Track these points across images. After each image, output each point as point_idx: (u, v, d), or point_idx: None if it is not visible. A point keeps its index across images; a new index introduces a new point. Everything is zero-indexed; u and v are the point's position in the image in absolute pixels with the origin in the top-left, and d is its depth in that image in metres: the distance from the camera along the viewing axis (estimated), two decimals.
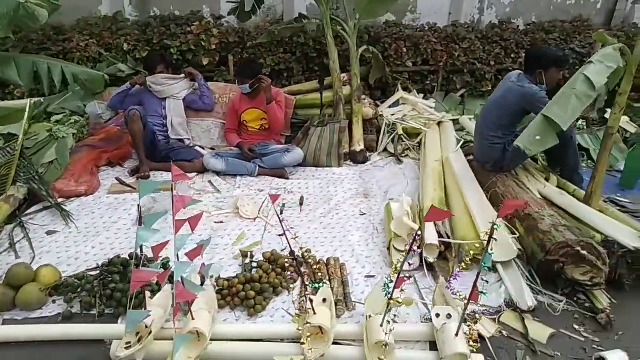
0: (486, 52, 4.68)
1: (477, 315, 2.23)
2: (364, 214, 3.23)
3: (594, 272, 2.32)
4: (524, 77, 3.15)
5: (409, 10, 5.20)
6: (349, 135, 4.16)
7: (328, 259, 2.66)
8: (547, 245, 2.41)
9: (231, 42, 4.54)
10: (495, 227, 1.67)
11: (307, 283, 2.31)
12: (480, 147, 3.39)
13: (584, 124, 4.45)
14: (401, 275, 1.84)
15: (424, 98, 4.77)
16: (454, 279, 2.06)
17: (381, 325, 1.90)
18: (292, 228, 2.95)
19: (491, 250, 1.69)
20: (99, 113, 4.07)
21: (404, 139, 4.32)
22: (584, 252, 2.32)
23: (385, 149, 4.31)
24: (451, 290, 2.15)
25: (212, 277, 2.35)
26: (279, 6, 5.09)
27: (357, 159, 4.11)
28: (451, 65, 4.67)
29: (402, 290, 1.89)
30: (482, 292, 1.77)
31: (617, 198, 3.44)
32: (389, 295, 1.90)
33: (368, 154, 4.23)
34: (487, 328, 2.18)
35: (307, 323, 1.95)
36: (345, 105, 4.21)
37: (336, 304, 2.24)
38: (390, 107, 4.67)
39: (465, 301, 1.85)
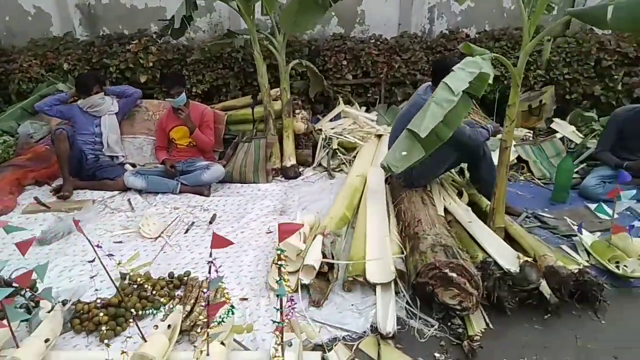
0: (429, 63, 4.57)
1: (334, 343, 2.13)
2: (271, 232, 3.15)
3: (462, 296, 2.19)
4: (429, 89, 3.05)
5: (357, 22, 5.13)
6: (280, 150, 4.11)
7: (202, 281, 2.58)
8: (419, 267, 2.29)
9: (169, 59, 4.55)
10: (278, 251, 1.57)
11: (170, 307, 2.25)
12: None
13: (531, 134, 4.29)
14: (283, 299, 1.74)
15: (366, 111, 4.68)
16: (286, 304, 1.95)
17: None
18: (187, 247, 2.94)
19: (279, 278, 1.59)
20: (29, 133, 4.12)
21: (340, 153, 4.24)
22: (452, 275, 2.19)
23: (320, 164, 4.23)
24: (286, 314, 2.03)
25: (64, 301, 2.30)
26: (225, 22, 5.10)
27: (288, 174, 4.04)
28: (392, 77, 4.57)
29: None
30: (275, 322, 1.65)
31: (540, 214, 3.28)
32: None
33: (301, 169, 4.16)
34: (339, 355, 2.06)
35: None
36: (277, 119, 4.15)
37: (190, 330, 2.16)
38: (331, 120, 4.60)
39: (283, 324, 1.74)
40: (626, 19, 1.90)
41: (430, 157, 3.09)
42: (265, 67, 4.06)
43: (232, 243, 1.59)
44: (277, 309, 1.63)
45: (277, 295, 1.60)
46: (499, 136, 2.80)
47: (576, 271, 2.32)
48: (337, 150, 4.23)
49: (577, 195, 3.56)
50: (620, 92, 4.38)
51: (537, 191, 3.67)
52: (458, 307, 2.19)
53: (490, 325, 2.24)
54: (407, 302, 2.38)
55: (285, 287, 1.61)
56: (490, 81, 2.12)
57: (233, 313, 1.96)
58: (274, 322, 1.64)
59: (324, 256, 2.56)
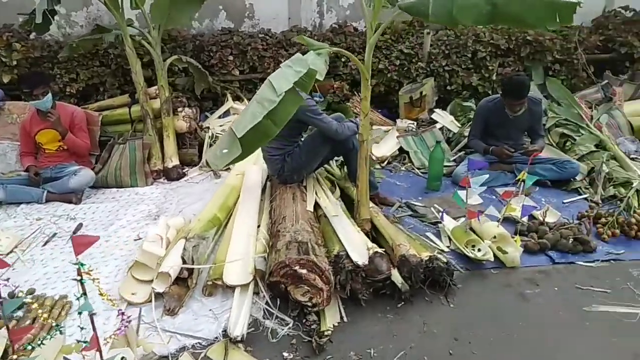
0: None
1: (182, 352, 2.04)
2: (140, 239, 2.99)
3: (312, 292, 2.19)
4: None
5: (247, 16, 5.02)
6: (161, 151, 3.93)
7: (56, 300, 2.39)
8: (272, 266, 2.27)
9: (38, 56, 4.19)
10: (78, 265, 1.46)
11: None
12: (264, 160, 3.23)
13: (414, 125, 4.42)
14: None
15: None
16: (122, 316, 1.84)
17: None
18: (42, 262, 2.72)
19: (80, 294, 1.48)
20: None
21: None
22: (302, 271, 2.18)
23: (207, 163, 4.10)
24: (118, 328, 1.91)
25: None
26: (104, 16, 4.78)
27: (171, 175, 3.87)
28: None
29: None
30: (80, 342, 1.54)
31: (413, 203, 3.38)
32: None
33: (186, 169, 4.02)
34: None
35: None
36: (157, 119, 3.97)
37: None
38: (220, 117, 4.47)
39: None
40: (442, 12, 1.96)
41: (301, 152, 3.13)
42: (140, 63, 3.86)
43: (96, 239, 1.46)
44: (82, 327, 1.51)
45: (79, 313, 1.49)
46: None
47: (426, 258, 2.41)
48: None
49: (450, 182, 3.72)
50: (495, 81, 4.64)
51: (415, 180, 3.80)
52: (309, 304, 2.19)
53: (345, 318, 2.27)
54: (267, 302, 2.35)
55: (90, 304, 1.50)
56: (320, 78, 2.09)
57: (62, 333, 1.82)
58: (79, 342, 1.52)
59: (184, 261, 2.46)
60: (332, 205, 2.92)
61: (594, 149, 3.86)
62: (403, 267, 2.37)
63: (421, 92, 4.40)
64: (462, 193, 3.10)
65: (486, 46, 4.63)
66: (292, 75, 2.00)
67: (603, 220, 2.98)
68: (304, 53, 2.18)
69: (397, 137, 4.18)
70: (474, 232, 2.87)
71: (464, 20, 1.95)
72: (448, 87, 4.65)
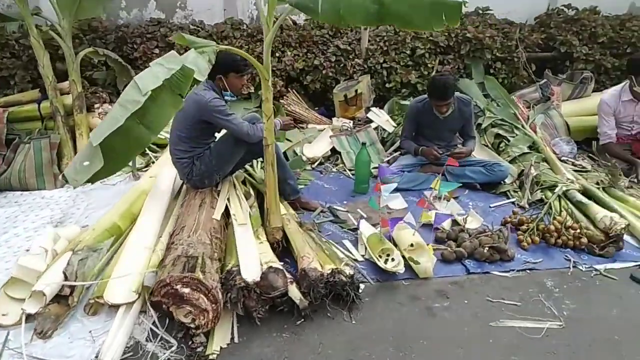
0: (249, 52, 4.35)
1: None
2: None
3: (194, 313, 2.00)
4: (205, 83, 2.82)
5: (179, 7, 4.75)
6: (74, 151, 3.65)
7: None
8: (153, 284, 2.07)
9: None
10: None
11: None
12: (172, 163, 3.02)
13: (349, 124, 4.27)
14: None
15: None
16: None
17: None
18: None
19: None
20: None
21: (150, 151, 3.89)
22: (184, 290, 2.00)
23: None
24: None
25: None
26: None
27: None
28: None
29: None
30: None
31: (335, 207, 3.23)
32: None
33: None
34: None
35: None
36: (71, 116, 3.69)
37: None
38: None
39: None
40: (330, 11, 1.79)
41: (211, 156, 2.93)
42: (49, 56, 3.56)
43: None
44: None
45: None
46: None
47: (328, 272, 2.26)
48: (146, 148, 3.87)
49: None
50: None
51: (344, 183, 3.64)
52: (192, 326, 2.01)
53: (236, 339, 2.10)
54: (154, 322, 2.15)
55: None
56: (200, 77, 1.90)
57: None
58: None
59: (66, 277, 2.24)
60: (242, 213, 2.74)
61: (526, 150, 3.80)
62: (302, 282, 2.22)
63: (356, 90, 4.24)
64: (389, 196, 2.98)
65: (425, 43, 4.51)
66: (162, 73, 1.79)
67: (524, 227, 2.90)
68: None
69: (330, 136, 4.02)
70: (393, 240, 2.75)
71: (352, 20, 1.80)
72: (387, 85, 4.51)
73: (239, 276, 2.13)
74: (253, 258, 2.23)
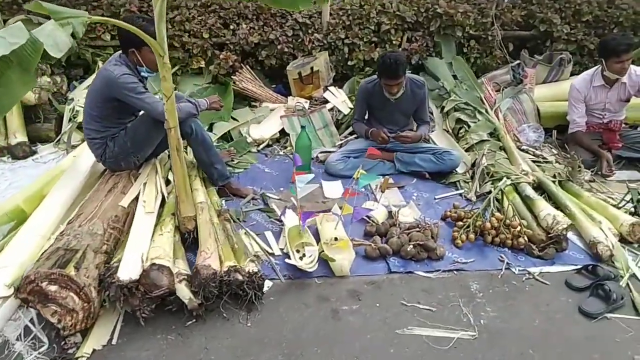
0: (201, 24, 4.09)
1: None
2: None
3: (60, 313, 1.84)
4: (118, 58, 2.59)
5: None
6: (4, 126, 3.47)
7: None
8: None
9: None
10: None
11: None
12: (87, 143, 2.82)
13: (304, 104, 4.02)
14: None
15: None
16: None
17: None
18: None
19: None
20: None
21: None
22: (51, 288, 1.83)
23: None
24: None
25: None
26: None
27: (16, 153, 3.45)
28: None
29: None
30: None
31: (268, 194, 3.03)
32: None
33: (38, 146, 3.59)
34: None
35: None
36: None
37: None
38: (88, 87, 3.99)
39: None
40: None
41: (126, 136, 2.72)
42: None
43: None
44: None
45: None
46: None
47: (225, 269, 2.09)
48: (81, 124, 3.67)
49: (324, 171, 3.38)
50: None
51: (288, 167, 3.42)
52: (59, 326, 1.85)
53: (115, 340, 1.95)
54: (32, 319, 2.00)
55: None
56: (55, 53, 1.67)
57: None
58: None
59: None
60: (154, 201, 2.56)
61: (486, 137, 3.54)
62: (194, 280, 2.05)
63: (312, 68, 3.98)
64: (328, 184, 2.79)
65: (392, 18, 4.20)
66: (1, 47, 1.57)
67: (460, 223, 2.69)
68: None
69: (281, 117, 3.79)
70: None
71: None
72: (349, 63, 4.24)
73: (116, 274, 1.96)
74: (138, 253, 2.05)
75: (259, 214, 2.87)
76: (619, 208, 2.83)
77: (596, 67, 3.52)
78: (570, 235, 2.67)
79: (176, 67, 4.13)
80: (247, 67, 4.09)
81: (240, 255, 2.28)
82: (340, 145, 3.70)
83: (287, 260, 2.30)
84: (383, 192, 2.85)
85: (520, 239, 2.54)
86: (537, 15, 4.47)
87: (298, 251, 2.46)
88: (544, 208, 2.66)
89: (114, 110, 2.62)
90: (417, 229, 2.62)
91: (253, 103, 4.08)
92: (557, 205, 2.88)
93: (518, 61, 4.24)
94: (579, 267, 2.43)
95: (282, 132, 3.78)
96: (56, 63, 3.95)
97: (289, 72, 4.04)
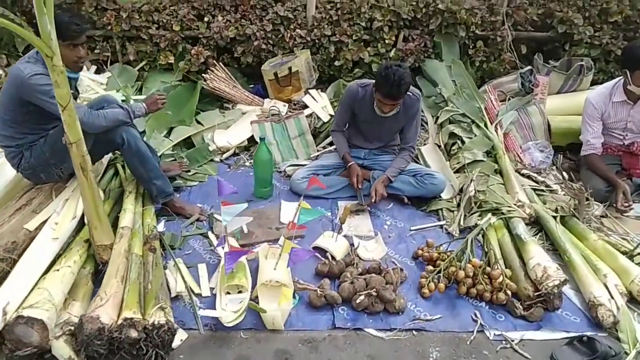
0: (171, 15, 3.69)
1: None
2: None
3: None
4: (35, 55, 2.21)
5: None
6: None
7: None
8: None
9: None
10: None
11: None
12: None
13: (280, 109, 3.59)
14: None
15: (97, 71, 3.79)
16: None
17: None
18: None
19: None
20: None
21: None
22: None
23: None
24: None
25: None
26: None
27: None
28: (122, 30, 3.65)
29: None
30: None
31: (216, 216, 2.62)
32: None
33: None
34: None
35: None
36: None
37: None
38: None
39: None
40: None
41: (45, 145, 2.35)
42: None
43: None
44: None
45: None
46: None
47: (119, 323, 1.70)
48: None
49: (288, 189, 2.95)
50: (393, 59, 3.75)
51: (252, 182, 2.97)
52: None
53: None
54: None
55: None
56: None
57: None
58: None
59: None
60: (68, 224, 2.19)
61: (480, 157, 3.04)
62: (78, 335, 1.67)
63: (290, 68, 3.53)
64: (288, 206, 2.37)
65: (386, 13, 3.70)
66: None
67: (430, 268, 2.23)
68: None
69: (252, 122, 3.37)
70: None
71: None
72: (335, 63, 3.77)
73: None
74: (7, 297, 1.68)
75: (199, 239, 2.48)
76: (632, 257, 2.31)
77: (618, 79, 2.96)
78: (567, 289, 2.18)
79: (143, 62, 3.76)
80: (221, 64, 3.68)
81: (150, 299, 1.89)
82: (317, 157, 3.27)
83: (201, 313, 1.88)
84: (343, 223, 2.41)
85: (501, 294, 2.07)
86: (556, 15, 3.89)
87: (229, 294, 2.07)
88: (535, 255, 2.18)
89: (32, 115, 2.25)
90: (380, 271, 2.19)
91: (226, 105, 3.68)
92: (556, 247, 2.40)
93: (529, 67, 3.70)
94: (571, 335, 1.95)
95: (252, 140, 3.36)
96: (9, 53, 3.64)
97: (264, 72, 3.61)
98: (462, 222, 2.59)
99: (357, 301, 2.00)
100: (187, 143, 3.28)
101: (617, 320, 1.98)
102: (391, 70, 2.39)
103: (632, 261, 2.27)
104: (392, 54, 3.77)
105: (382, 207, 2.79)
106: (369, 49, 3.76)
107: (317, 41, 3.72)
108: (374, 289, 2.04)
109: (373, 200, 2.68)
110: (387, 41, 3.75)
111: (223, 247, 2.27)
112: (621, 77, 2.92)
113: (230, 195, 2.05)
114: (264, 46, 3.64)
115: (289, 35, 3.65)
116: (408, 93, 2.67)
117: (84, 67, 3.73)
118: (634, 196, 2.91)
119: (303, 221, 2.01)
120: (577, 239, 2.44)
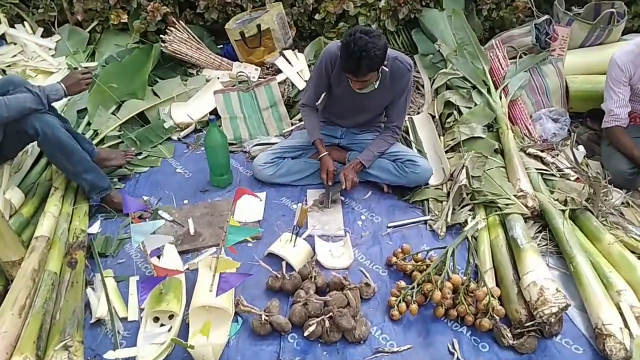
0: None
1: None
2: None
3: None
4: None
5: None
6: None
7: None
8: None
9: None
10: None
11: None
12: None
13: (249, 74, 3.11)
14: None
15: (43, 34, 3.34)
16: None
17: None
18: None
19: None
20: None
21: None
22: None
23: None
24: None
25: None
26: None
27: None
28: None
29: None
30: None
31: (161, 213, 2.25)
32: None
33: None
34: None
35: None
36: None
37: None
38: None
39: None
40: None
41: None
42: None
43: None
44: None
45: None
46: None
47: None
48: None
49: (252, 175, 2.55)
50: (383, 10, 3.17)
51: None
52: None
53: None
54: None
55: None
56: None
57: None
58: None
59: None
60: None
61: (479, 133, 2.55)
62: None
63: (259, 26, 3.01)
64: (246, 200, 1.99)
65: None
66: None
67: (402, 284, 1.84)
68: None
69: (215, 92, 2.92)
70: None
71: None
72: (315, 17, 3.23)
73: None
74: None
75: (133, 246, 2.13)
76: None
77: None
78: (571, 308, 1.79)
79: (94, 23, 3.28)
80: (182, 23, 3.17)
81: (55, 335, 1.58)
82: (290, 133, 2.84)
83: (108, 357, 1.55)
84: (301, 227, 2.02)
85: (485, 320, 1.68)
86: None
87: (157, 319, 1.74)
88: (532, 267, 1.77)
89: None
90: (343, 286, 1.82)
91: (191, 70, 3.22)
92: (560, 251, 1.98)
93: (547, 16, 3.08)
94: None
95: (217, 113, 2.92)
96: None
97: (229, 31, 3.09)
98: (449, 218, 2.17)
99: (307, 332, 1.65)
100: (143, 119, 2.88)
101: (629, 356, 1.59)
102: (352, 39, 1.88)
103: None
104: (382, 3, 3.19)
105: (358, 197, 2.38)
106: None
107: None
108: (330, 315, 1.69)
109: (344, 187, 2.27)
110: None
111: (160, 257, 1.95)
112: None
113: (141, 211, 1.66)
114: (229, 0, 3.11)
115: None
116: (397, 61, 2.16)
117: (29, 30, 3.29)
118: None
119: (232, 242, 1.63)
120: (589, 240, 2.01)
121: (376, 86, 2.12)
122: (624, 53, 2.42)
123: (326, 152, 2.35)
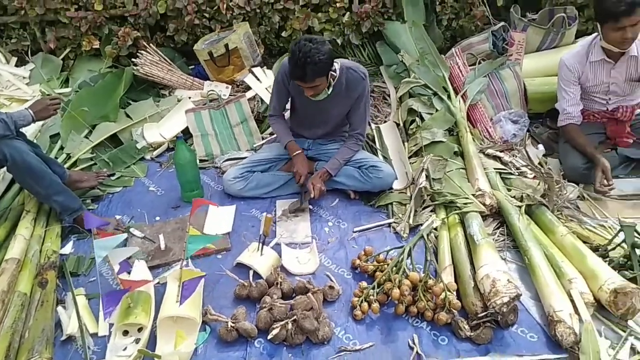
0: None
1: None
2: None
3: None
4: None
5: None
6: None
7: None
8: None
9: None
10: None
11: None
12: None
13: (220, 92, 3.21)
14: None
15: (17, 63, 3.42)
16: None
17: None
18: None
19: None
20: None
21: None
22: None
23: None
24: None
25: None
26: None
27: None
28: (37, 15, 3.24)
29: None
30: None
31: (132, 231, 2.31)
32: None
33: None
34: None
35: None
36: None
37: None
38: None
39: None
40: None
41: None
42: None
43: None
44: None
45: None
46: None
47: None
48: None
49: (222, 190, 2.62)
50: (347, 24, 3.29)
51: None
52: None
53: None
54: None
55: None
56: None
57: None
58: None
59: None
60: None
61: (440, 137, 2.65)
62: None
63: (227, 45, 3.12)
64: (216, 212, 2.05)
65: None
66: None
67: (364, 284, 1.91)
68: None
69: (186, 112, 3.00)
70: None
71: None
72: (282, 34, 3.34)
73: None
74: None
75: (106, 262, 2.18)
76: (606, 254, 1.96)
77: (594, 34, 2.50)
78: (526, 299, 1.87)
79: (67, 50, 3.38)
80: (153, 46, 3.27)
81: (23, 352, 1.63)
82: (261, 147, 2.92)
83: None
84: (267, 236, 2.08)
85: (442, 314, 1.75)
86: None
87: (126, 333, 1.79)
88: (486, 261, 1.85)
89: None
90: (307, 290, 1.88)
91: (163, 92, 3.31)
92: (520, 247, 2.06)
93: (502, 23, 3.22)
94: None
95: (188, 131, 3.00)
96: None
97: (197, 52, 3.20)
98: (411, 220, 2.25)
99: (270, 335, 1.71)
100: (116, 141, 2.95)
101: (578, 340, 1.66)
102: (297, 47, 1.99)
103: (607, 257, 1.94)
104: (345, 18, 3.31)
105: (326, 205, 2.46)
106: (319, 14, 3.31)
107: (258, 11, 3.28)
108: (293, 318, 1.75)
109: (312, 196, 2.35)
110: (338, 4, 3.28)
111: (129, 272, 2.00)
112: (596, 34, 2.46)
113: (103, 226, 1.73)
114: (197, 21, 3.22)
115: (224, 6, 3.20)
116: (351, 70, 2.29)
117: (2, 59, 3.37)
118: (620, 169, 2.54)
119: (192, 251, 1.69)
120: (544, 233, 2.10)
121: (329, 92, 2.23)
122: (571, 55, 2.55)
123: (300, 150, 2.45)
